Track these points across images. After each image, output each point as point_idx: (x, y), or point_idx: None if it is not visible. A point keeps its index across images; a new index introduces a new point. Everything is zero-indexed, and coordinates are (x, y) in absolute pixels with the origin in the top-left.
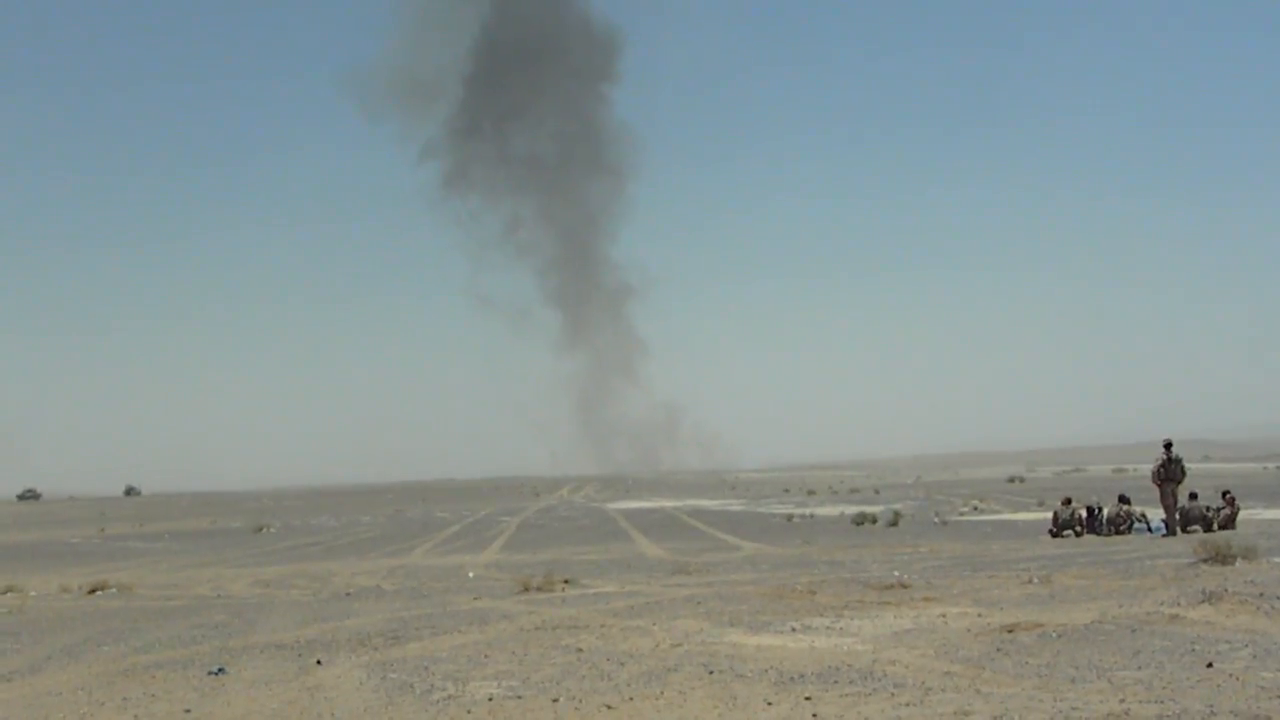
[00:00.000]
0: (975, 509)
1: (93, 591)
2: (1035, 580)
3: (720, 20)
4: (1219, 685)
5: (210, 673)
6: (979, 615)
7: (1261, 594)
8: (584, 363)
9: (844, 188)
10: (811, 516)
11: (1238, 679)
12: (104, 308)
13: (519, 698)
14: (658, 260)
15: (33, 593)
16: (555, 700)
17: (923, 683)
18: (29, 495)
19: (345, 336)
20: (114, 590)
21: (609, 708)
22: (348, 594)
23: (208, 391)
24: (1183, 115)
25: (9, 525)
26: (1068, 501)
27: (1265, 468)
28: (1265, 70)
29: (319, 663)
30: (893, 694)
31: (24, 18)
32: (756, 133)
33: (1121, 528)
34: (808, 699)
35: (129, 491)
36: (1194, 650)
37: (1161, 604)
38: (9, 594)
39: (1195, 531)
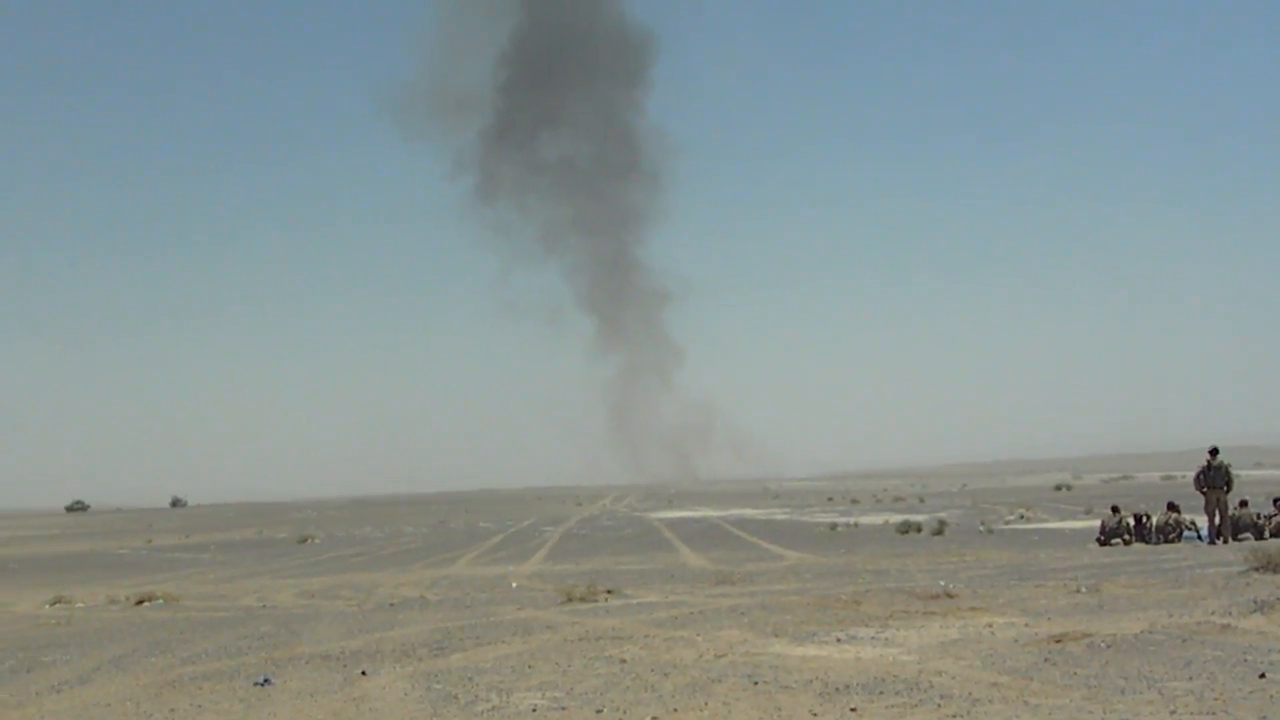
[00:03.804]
0: (1022, 517)
1: (140, 603)
2: (1083, 589)
3: (757, 27)
4: (1272, 697)
5: (256, 683)
6: (1026, 625)
7: None
8: (619, 368)
9: (885, 192)
10: (855, 525)
11: None
12: (151, 322)
13: (563, 709)
14: (696, 266)
15: (80, 604)
16: (599, 711)
17: (969, 694)
18: (77, 507)
19: (389, 350)
20: (161, 601)
21: (653, 719)
22: (392, 605)
23: (253, 404)
24: (1215, 116)
25: (57, 536)
26: (1116, 509)
27: None
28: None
29: (364, 673)
30: (939, 705)
31: (89, 25)
32: (797, 137)
33: (1171, 536)
34: (853, 710)
35: (175, 503)
36: (1246, 661)
37: (1212, 613)
38: (57, 605)
39: (1246, 539)
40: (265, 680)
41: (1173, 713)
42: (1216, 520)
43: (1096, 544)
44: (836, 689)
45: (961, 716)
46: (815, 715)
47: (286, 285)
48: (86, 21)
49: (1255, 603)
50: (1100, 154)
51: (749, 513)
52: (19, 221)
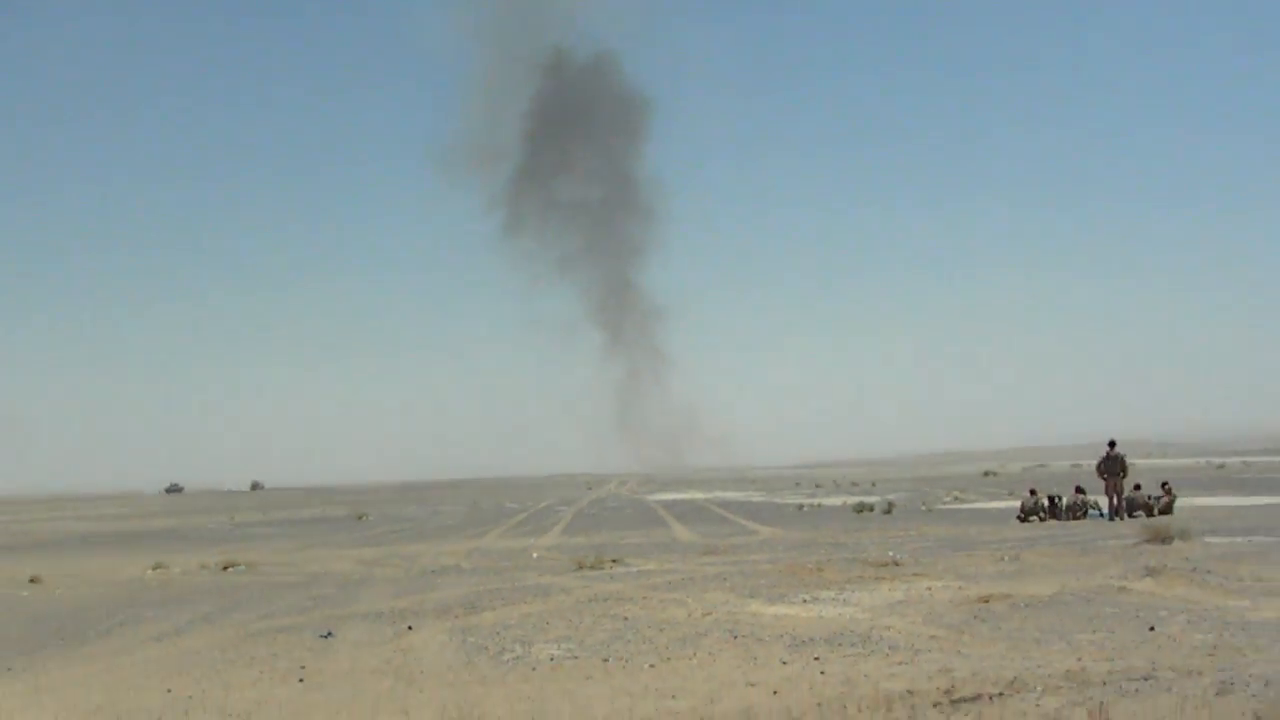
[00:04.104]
0: (956, 499)
1: (225, 568)
2: (1006, 558)
3: (734, 93)
4: (1160, 645)
5: (321, 636)
6: (959, 588)
7: (1195, 568)
8: (620, 374)
9: (829, 220)
10: (819, 506)
11: (1175, 640)
12: (237, 338)
13: (575, 658)
14: (686, 285)
15: (176, 569)
16: (606, 660)
17: (913, 645)
18: (174, 489)
19: (431, 358)
20: (242, 567)
21: (651, 667)
22: (433, 571)
23: (320, 403)
24: (1133, 126)
25: (158, 514)
26: (1033, 492)
27: (1198, 462)
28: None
29: (410, 628)
30: (888, 654)
31: (154, 78)
32: (766, 173)
33: (1078, 514)
34: (816, 659)
35: (254, 486)
36: (1139, 616)
37: (1111, 578)
38: (158, 570)
39: (1139, 517)
40: (328, 633)
41: (1079, 660)
42: (1115, 501)
43: (1017, 520)
44: (803, 641)
45: (906, 664)
46: (785, 663)
47: (353, 312)
48: (152, 74)
49: (1147, 569)
50: (1028, 158)
51: (730, 495)
52: (128, 237)
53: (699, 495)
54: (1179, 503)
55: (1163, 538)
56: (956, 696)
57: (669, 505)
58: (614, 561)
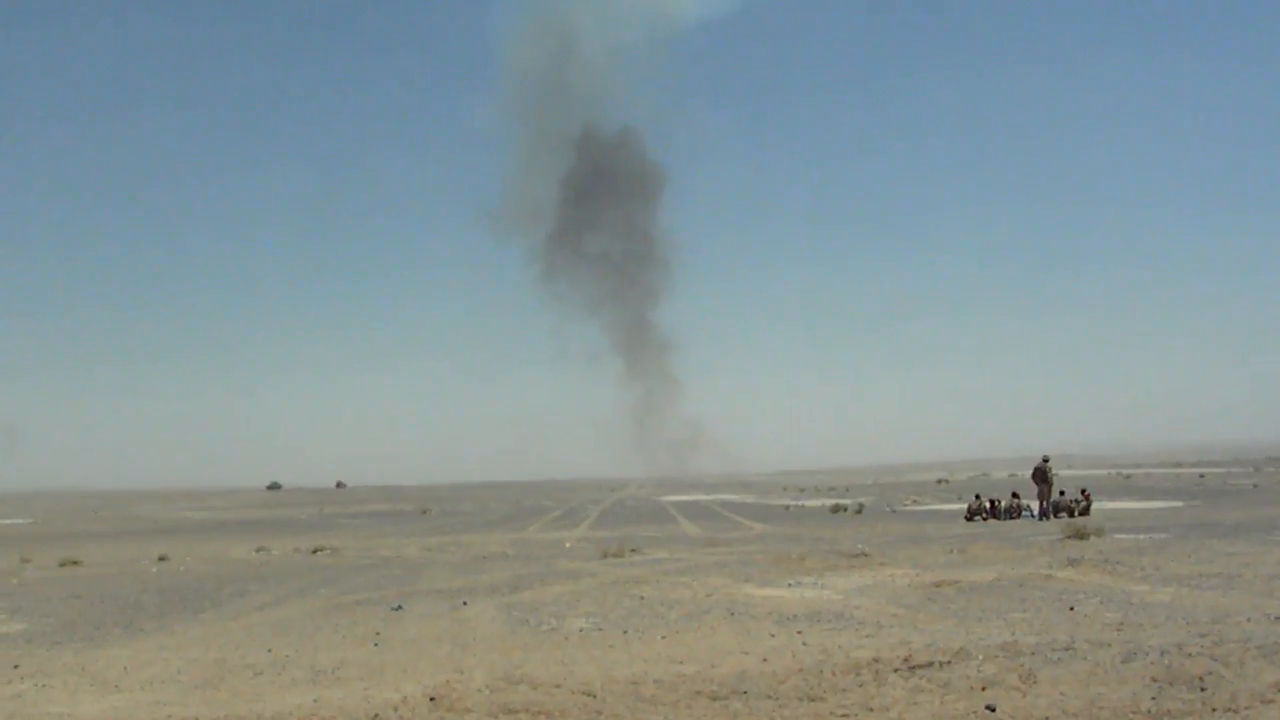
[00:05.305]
0: (914, 502)
1: (314, 552)
2: (955, 551)
3: (735, 160)
4: (1078, 622)
5: (392, 608)
6: (916, 575)
7: (1107, 560)
8: (637, 396)
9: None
10: (802, 507)
11: (1090, 618)
12: (322, 365)
13: (600, 630)
14: (695, 320)
15: (275, 551)
16: (625, 632)
17: (878, 621)
18: (274, 486)
19: (484, 381)
20: (328, 551)
21: (662, 638)
22: (484, 557)
23: (390, 416)
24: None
25: (261, 506)
26: (978, 496)
27: (1109, 473)
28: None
29: (465, 603)
30: (858, 629)
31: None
32: (759, 224)
33: (1014, 515)
34: (799, 632)
35: (339, 485)
36: (1061, 599)
37: (1040, 567)
38: (260, 552)
39: (1063, 517)
40: (398, 606)
41: (1013, 634)
42: (1043, 504)
43: (964, 520)
44: (788, 618)
45: (872, 636)
46: (773, 636)
47: (418, 343)
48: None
49: (1068, 560)
50: (980, 217)
51: (728, 497)
52: (244, 273)
53: (703, 497)
54: (1095, 506)
55: (1081, 535)
56: (914, 663)
57: (678, 505)
58: (632, 551)
